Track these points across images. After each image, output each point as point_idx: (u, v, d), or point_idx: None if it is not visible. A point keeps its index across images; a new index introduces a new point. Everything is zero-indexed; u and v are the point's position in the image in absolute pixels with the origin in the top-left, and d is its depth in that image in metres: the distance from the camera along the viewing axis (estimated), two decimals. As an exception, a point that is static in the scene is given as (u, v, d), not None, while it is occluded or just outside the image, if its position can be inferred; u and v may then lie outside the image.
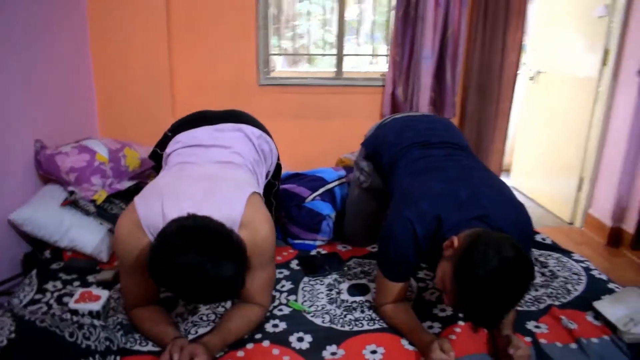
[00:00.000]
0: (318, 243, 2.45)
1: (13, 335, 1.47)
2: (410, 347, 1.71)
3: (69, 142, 2.60)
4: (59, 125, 2.74)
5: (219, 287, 1.44)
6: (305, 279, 2.16)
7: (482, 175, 1.89)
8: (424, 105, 3.62)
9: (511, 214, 1.73)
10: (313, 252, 2.39)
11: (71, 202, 2.31)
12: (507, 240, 1.47)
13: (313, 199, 2.51)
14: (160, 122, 2.27)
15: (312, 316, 1.89)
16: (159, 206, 1.64)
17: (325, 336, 1.77)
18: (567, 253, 2.38)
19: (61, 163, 2.38)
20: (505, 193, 1.82)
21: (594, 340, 1.74)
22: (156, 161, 2.25)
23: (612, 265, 3.22)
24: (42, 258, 2.24)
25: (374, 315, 1.90)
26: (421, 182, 1.83)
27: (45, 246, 2.32)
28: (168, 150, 2.06)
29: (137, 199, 1.74)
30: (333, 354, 1.67)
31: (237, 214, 1.69)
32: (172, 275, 1.43)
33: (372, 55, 3.91)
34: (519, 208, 1.78)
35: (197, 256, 1.40)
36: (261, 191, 1.95)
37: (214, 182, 1.78)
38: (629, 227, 3.52)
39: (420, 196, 1.75)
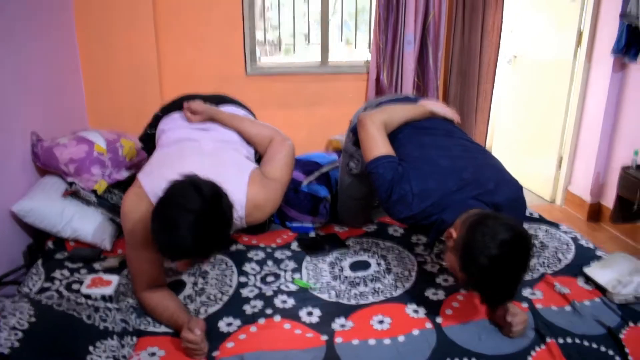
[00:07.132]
0: (316, 225, 2.50)
1: (34, 319, 1.50)
2: (415, 315, 1.80)
3: (63, 134, 2.61)
4: (51, 119, 2.74)
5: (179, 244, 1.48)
6: (308, 258, 2.21)
7: (481, 154, 1.96)
8: (408, 89, 3.68)
9: (509, 193, 1.81)
10: (312, 234, 2.44)
11: (72, 193, 2.33)
12: (501, 222, 1.55)
13: (309, 183, 2.56)
14: (148, 114, 2.29)
15: (318, 292, 1.96)
16: (164, 175, 1.61)
17: (333, 310, 1.83)
18: (554, 225, 2.49)
19: (60, 154, 2.38)
20: (504, 172, 1.90)
21: (587, 302, 1.85)
22: (145, 143, 2.31)
23: (594, 239, 3.29)
24: (46, 248, 2.26)
25: (377, 288, 1.97)
26: (430, 155, 1.87)
27: (47, 237, 2.34)
28: (162, 127, 2.11)
29: (140, 174, 1.82)
30: (342, 325, 1.74)
31: (242, 194, 1.77)
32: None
33: (354, 43, 3.98)
34: (516, 186, 1.86)
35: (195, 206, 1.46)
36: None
37: (215, 160, 1.85)
38: (608, 202, 3.65)
39: (429, 172, 1.80)
